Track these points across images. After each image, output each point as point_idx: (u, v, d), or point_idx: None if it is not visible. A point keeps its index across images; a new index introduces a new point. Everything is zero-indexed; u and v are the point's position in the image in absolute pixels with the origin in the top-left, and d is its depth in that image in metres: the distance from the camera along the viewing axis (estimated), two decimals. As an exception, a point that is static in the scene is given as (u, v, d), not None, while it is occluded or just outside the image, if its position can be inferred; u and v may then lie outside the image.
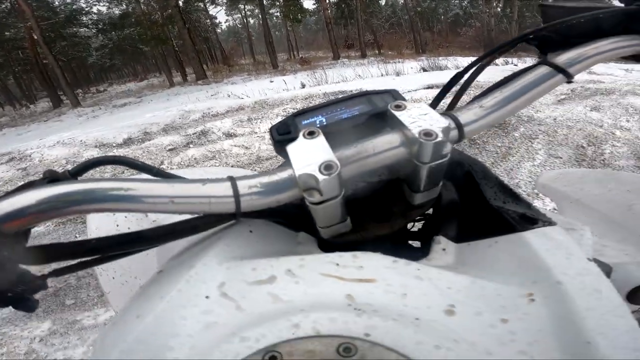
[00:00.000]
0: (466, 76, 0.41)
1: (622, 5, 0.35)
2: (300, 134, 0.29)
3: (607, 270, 0.36)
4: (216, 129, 4.45)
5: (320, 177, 0.25)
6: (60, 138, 6.00)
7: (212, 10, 26.59)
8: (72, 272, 0.28)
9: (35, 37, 14.49)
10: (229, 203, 0.26)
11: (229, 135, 4.24)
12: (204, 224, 0.28)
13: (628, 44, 0.33)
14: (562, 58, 0.33)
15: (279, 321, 0.21)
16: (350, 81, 7.56)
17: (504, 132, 3.61)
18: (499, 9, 22.41)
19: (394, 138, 0.28)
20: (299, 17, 20.93)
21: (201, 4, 23.59)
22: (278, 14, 23.08)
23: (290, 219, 0.33)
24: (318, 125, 0.32)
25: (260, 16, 19.93)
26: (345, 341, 0.20)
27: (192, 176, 0.29)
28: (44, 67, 15.82)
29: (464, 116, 0.30)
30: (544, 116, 3.97)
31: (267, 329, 0.21)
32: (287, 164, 0.28)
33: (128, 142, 4.79)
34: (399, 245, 0.36)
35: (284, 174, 0.27)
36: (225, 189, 0.26)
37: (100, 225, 0.50)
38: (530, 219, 0.28)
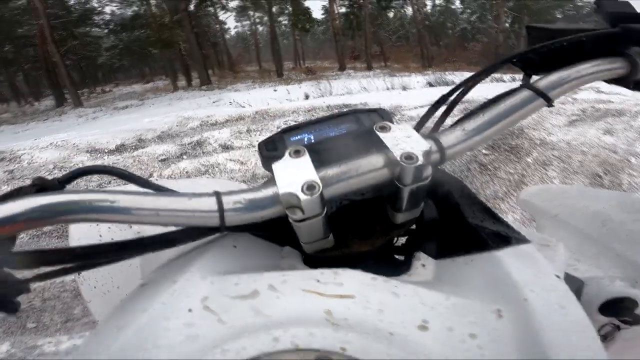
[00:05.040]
0: (452, 97, 0.40)
1: (606, 27, 0.34)
2: (287, 153, 0.29)
3: (579, 284, 0.37)
4: (213, 140, 4.26)
5: (302, 196, 0.26)
6: (54, 139, 5.83)
7: (222, 15, 26.75)
8: (55, 277, 0.28)
9: (45, 35, 14.47)
10: (214, 217, 0.27)
11: (226, 148, 4.04)
12: (187, 236, 0.29)
13: (610, 67, 0.33)
14: (544, 82, 0.33)
15: (260, 334, 0.22)
16: (355, 94, 7.40)
17: (516, 157, 3.40)
18: (507, 25, 22.47)
19: (377, 160, 0.28)
20: (308, 26, 20.98)
21: (211, 9, 23.74)
22: (286, 22, 23.18)
23: (276, 233, 0.33)
24: (305, 143, 0.32)
25: (269, 24, 19.97)
26: (322, 355, 0.20)
27: (179, 187, 0.31)
28: (52, 66, 15.75)
29: (445, 139, 0.30)
30: (556, 139, 3.77)
31: (248, 342, 0.21)
32: (272, 180, 0.28)
33: (120, 148, 4.61)
34: (383, 259, 0.36)
35: (268, 192, 0.27)
36: (210, 203, 0.27)
37: (83, 234, 0.50)
38: (505, 238, 0.28)
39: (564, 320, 0.22)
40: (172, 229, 0.29)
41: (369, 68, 18.00)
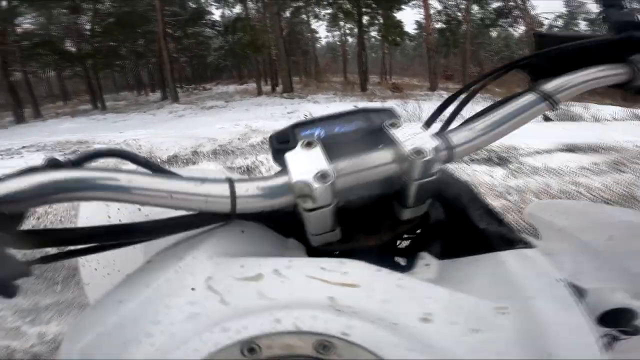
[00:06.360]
0: (459, 99, 0.40)
1: (610, 35, 0.36)
2: (299, 144, 0.29)
3: (580, 292, 0.38)
4: (265, 168, 3.55)
5: (315, 185, 0.26)
6: (131, 136, 5.88)
7: (314, 24, 27.28)
8: (59, 260, 0.27)
9: (160, 31, 15.88)
10: (225, 203, 0.27)
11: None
12: (198, 221, 0.29)
13: (612, 73, 0.34)
14: (549, 86, 0.33)
15: (262, 315, 0.22)
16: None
17: None
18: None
19: (387, 154, 0.29)
20: (398, 40, 19.89)
21: (305, 17, 24.28)
22: (375, 33, 22.43)
23: (282, 225, 0.33)
24: (316, 138, 0.32)
25: (357, 34, 19.43)
26: (324, 339, 0.21)
27: (190, 174, 0.33)
28: (164, 61, 17.29)
29: (454, 137, 0.31)
30: None
31: (249, 322, 0.22)
32: (283, 171, 0.29)
33: (172, 160, 4.23)
34: (386, 259, 0.35)
35: (280, 180, 0.28)
36: (223, 189, 0.27)
37: (92, 214, 0.49)
38: (510, 241, 0.29)
39: (566, 321, 0.22)
40: (183, 213, 0.29)
41: (464, 90, 16.03)
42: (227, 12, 23.06)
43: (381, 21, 19.30)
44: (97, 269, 0.46)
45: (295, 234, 0.33)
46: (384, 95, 12.94)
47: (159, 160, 4.26)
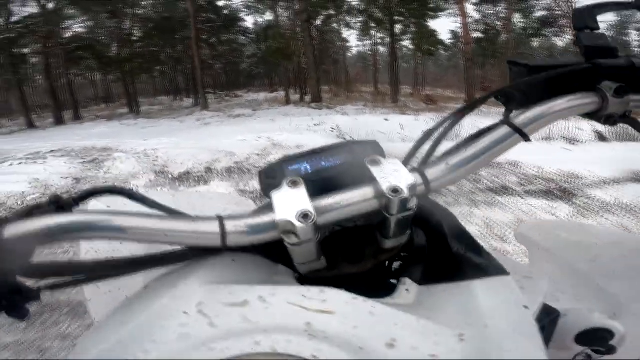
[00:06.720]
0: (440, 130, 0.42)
1: (579, 62, 0.36)
2: (285, 183, 0.31)
3: (555, 314, 0.39)
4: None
5: (297, 224, 0.28)
6: (155, 145, 5.71)
7: (345, 33, 27.01)
8: (66, 287, 0.30)
9: (193, 37, 16.08)
10: (216, 239, 0.30)
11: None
12: (193, 253, 0.32)
13: (582, 102, 0.35)
14: (521, 118, 0.34)
15: (244, 338, 0.24)
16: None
17: None
18: None
19: (367, 191, 0.31)
20: (432, 49, 19.11)
21: (336, 26, 24.08)
22: (407, 42, 21.72)
23: (271, 253, 0.35)
24: (302, 172, 0.34)
25: (389, 43, 18.85)
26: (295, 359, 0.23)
27: (188, 202, 0.34)
28: (195, 67, 17.45)
29: (431, 172, 0.33)
30: None
31: (231, 343, 0.24)
32: (270, 207, 0.31)
33: (183, 177, 3.92)
34: (373, 282, 0.37)
35: (267, 218, 0.30)
36: (214, 226, 0.30)
37: (94, 242, 0.54)
38: (483, 270, 0.31)
39: (519, 347, 0.24)
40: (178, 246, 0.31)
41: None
42: (259, 19, 23.30)
43: (414, 30, 18.64)
44: (99, 286, 0.50)
45: (283, 261, 0.34)
46: (417, 108, 12.24)
47: (170, 176, 3.97)
